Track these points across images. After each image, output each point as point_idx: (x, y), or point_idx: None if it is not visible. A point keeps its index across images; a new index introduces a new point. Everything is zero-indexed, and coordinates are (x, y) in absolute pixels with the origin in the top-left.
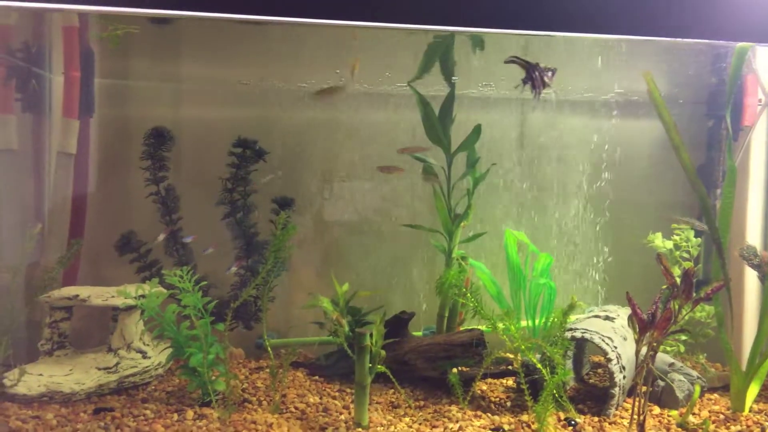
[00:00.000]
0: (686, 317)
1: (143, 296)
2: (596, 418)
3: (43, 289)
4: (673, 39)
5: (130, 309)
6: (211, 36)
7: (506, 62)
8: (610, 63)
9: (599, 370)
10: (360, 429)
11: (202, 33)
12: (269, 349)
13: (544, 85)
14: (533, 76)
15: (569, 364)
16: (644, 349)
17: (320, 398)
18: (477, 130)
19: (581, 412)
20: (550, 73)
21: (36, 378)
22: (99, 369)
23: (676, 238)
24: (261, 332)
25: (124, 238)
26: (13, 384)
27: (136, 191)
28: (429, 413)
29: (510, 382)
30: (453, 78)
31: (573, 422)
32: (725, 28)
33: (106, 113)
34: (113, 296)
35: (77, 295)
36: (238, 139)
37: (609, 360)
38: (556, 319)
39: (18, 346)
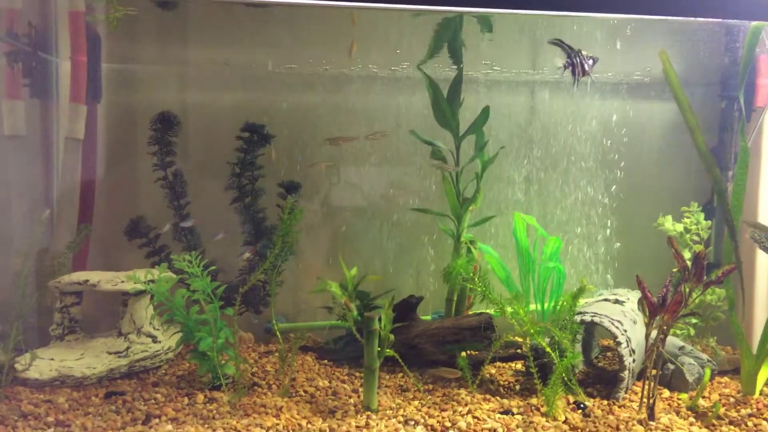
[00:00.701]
0: (697, 300)
1: (153, 281)
2: (605, 402)
3: (53, 275)
4: (685, 18)
5: (139, 294)
6: (218, 19)
7: (550, 43)
8: (623, 43)
9: (609, 354)
10: (369, 412)
11: (208, 16)
12: (278, 333)
13: (584, 72)
14: (574, 62)
15: (578, 347)
16: (654, 333)
17: (329, 382)
18: (485, 112)
19: (590, 395)
20: (591, 62)
21: (47, 362)
22: (110, 353)
23: (687, 221)
24: (270, 317)
25: (132, 224)
26: (25, 368)
27: (145, 176)
28: (438, 397)
29: (519, 365)
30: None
31: (582, 405)
32: (739, 7)
33: (114, 98)
34: (123, 281)
35: (87, 280)
36: (246, 123)
37: (618, 344)
38: (565, 303)
39: (29, 331)
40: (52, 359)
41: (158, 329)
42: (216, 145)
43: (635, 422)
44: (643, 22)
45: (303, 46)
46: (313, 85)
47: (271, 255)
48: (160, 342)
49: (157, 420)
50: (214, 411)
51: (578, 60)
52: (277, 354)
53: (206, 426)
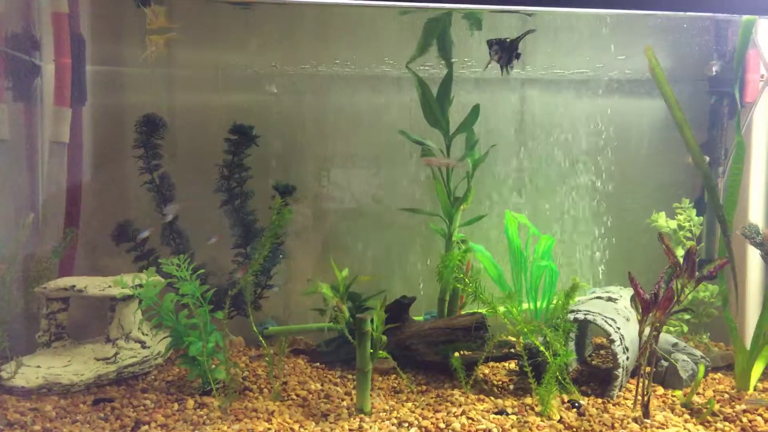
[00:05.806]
0: (689, 296)
1: (140, 285)
2: (600, 400)
3: (38, 280)
4: (675, 13)
5: (127, 299)
6: (201, 18)
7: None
8: (613, 39)
9: (602, 352)
10: (362, 415)
11: (190, 15)
12: (261, 337)
13: (510, 59)
14: (501, 54)
15: (572, 345)
16: (647, 330)
17: (322, 385)
18: (475, 111)
19: (585, 393)
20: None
21: (34, 370)
22: (98, 360)
23: (680, 218)
24: (262, 319)
25: (120, 228)
26: (11, 376)
27: (132, 179)
28: (431, 398)
29: (512, 365)
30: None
31: (577, 404)
32: (729, 1)
33: (99, 101)
34: (110, 286)
35: (74, 286)
36: (234, 125)
37: (612, 341)
38: (558, 301)
39: (15, 338)
40: (39, 366)
41: (147, 334)
42: (204, 147)
43: (630, 420)
44: (632, 18)
45: (293, 45)
46: (299, 84)
47: (258, 256)
48: (149, 347)
49: (146, 427)
50: (205, 416)
51: (506, 48)
52: (267, 358)
53: None
